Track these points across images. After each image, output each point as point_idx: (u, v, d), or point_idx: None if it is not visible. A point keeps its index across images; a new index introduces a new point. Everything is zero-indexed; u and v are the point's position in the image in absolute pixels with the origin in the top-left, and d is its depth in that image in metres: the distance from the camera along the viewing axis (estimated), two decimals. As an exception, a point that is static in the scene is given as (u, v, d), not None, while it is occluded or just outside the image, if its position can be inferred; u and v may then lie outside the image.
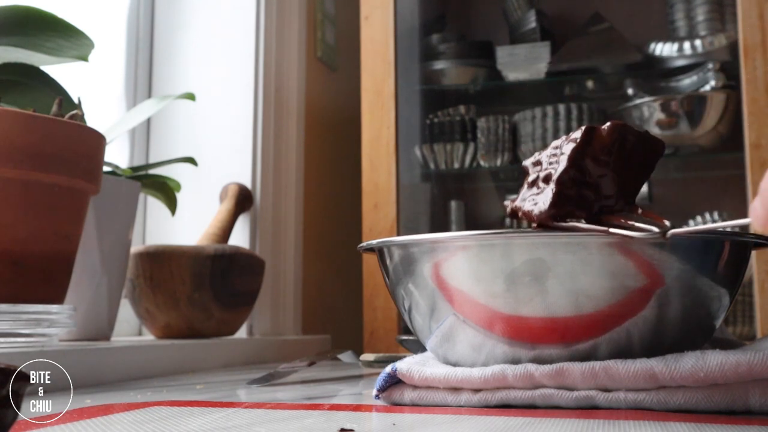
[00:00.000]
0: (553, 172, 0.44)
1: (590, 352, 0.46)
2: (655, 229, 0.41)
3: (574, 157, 0.44)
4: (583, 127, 0.45)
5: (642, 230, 0.42)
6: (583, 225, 0.44)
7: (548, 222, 0.44)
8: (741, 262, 0.50)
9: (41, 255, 0.62)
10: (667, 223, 0.42)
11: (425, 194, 1.63)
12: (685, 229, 0.42)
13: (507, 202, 0.48)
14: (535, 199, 0.45)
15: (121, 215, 0.88)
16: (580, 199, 0.44)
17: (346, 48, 1.63)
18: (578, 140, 0.44)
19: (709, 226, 0.42)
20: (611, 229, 0.42)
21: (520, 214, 0.46)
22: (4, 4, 0.69)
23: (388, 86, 1.43)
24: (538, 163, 0.47)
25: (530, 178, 0.47)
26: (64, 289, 0.66)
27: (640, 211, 0.45)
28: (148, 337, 1.04)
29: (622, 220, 0.44)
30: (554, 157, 0.45)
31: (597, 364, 0.44)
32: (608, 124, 0.45)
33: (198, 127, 1.25)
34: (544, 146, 1.59)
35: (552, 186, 0.44)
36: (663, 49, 1.54)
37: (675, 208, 1.63)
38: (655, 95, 1.51)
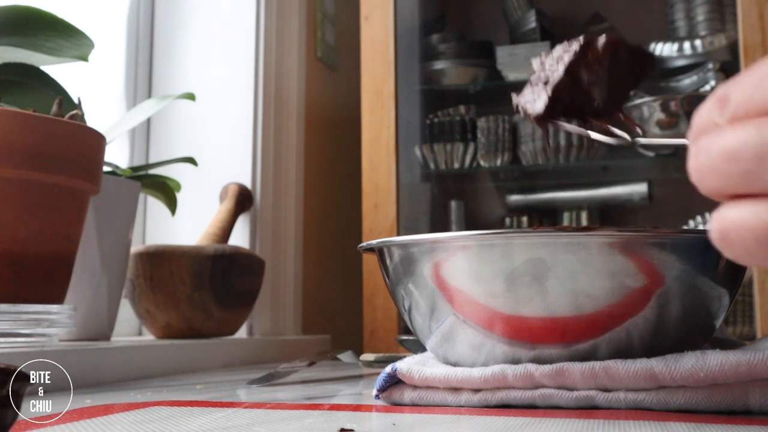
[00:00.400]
0: (550, 77, 0.50)
1: (590, 352, 0.46)
2: (627, 137, 0.48)
3: (570, 68, 0.49)
4: (581, 40, 0.50)
5: (616, 137, 0.48)
6: (569, 126, 0.50)
7: (541, 121, 0.50)
8: (741, 262, 0.50)
9: (41, 255, 0.62)
10: (638, 131, 0.50)
11: (425, 194, 1.63)
12: (651, 140, 0.49)
13: (513, 95, 0.54)
14: (534, 100, 0.51)
15: (121, 215, 0.88)
16: (571, 104, 0.50)
17: (346, 48, 1.63)
18: (575, 52, 0.49)
19: (675, 140, 0.47)
20: (592, 134, 0.49)
21: (520, 109, 0.52)
22: (4, 4, 0.69)
23: (388, 86, 1.43)
24: (543, 65, 0.52)
25: (533, 79, 0.52)
26: (64, 289, 0.66)
27: (621, 116, 0.51)
28: (148, 337, 1.04)
29: (604, 125, 0.50)
30: (555, 63, 0.51)
31: (597, 364, 0.44)
32: (603, 38, 0.50)
33: (198, 127, 1.25)
34: (544, 146, 1.56)
35: (548, 90, 0.50)
36: (663, 49, 1.54)
37: (675, 208, 1.63)
38: (655, 95, 1.51)
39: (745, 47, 1.29)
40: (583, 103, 0.50)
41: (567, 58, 0.50)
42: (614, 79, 0.50)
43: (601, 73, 0.50)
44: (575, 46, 0.50)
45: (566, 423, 0.39)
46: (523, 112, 0.51)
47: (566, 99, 0.49)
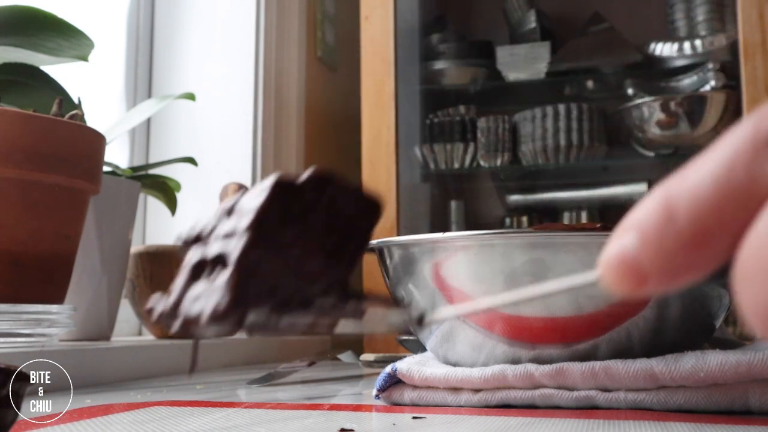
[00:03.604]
0: (228, 252, 0.28)
1: (590, 352, 0.46)
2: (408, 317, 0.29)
3: (259, 224, 0.27)
4: (271, 181, 0.28)
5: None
6: (280, 322, 0.27)
7: (228, 319, 0.27)
8: (741, 262, 0.50)
9: (41, 255, 0.62)
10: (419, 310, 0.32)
11: (425, 194, 1.63)
12: (440, 314, 0.31)
13: (150, 300, 0.30)
14: (202, 293, 0.28)
15: (121, 215, 0.88)
16: (273, 284, 0.27)
17: (346, 48, 1.63)
18: (264, 199, 0.27)
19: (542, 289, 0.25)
20: (338, 329, 0.28)
21: (177, 321, 0.29)
22: (4, 4, 0.69)
23: (388, 86, 1.43)
24: (198, 238, 0.30)
25: (188, 264, 0.29)
26: (64, 289, 0.66)
27: (366, 300, 0.28)
28: (148, 337, 1.04)
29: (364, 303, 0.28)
30: (228, 223, 0.28)
31: (597, 364, 0.44)
32: (307, 173, 0.28)
33: (198, 127, 1.25)
34: (544, 146, 1.55)
35: (230, 270, 0.27)
36: (663, 49, 1.54)
37: (675, 208, 1.63)
38: (655, 95, 1.51)
39: (745, 47, 1.29)
40: (294, 282, 0.27)
41: (252, 206, 0.27)
42: (332, 235, 0.28)
43: (312, 228, 0.28)
44: (259, 192, 0.28)
45: (566, 423, 0.39)
46: (185, 322, 0.28)
47: (264, 275, 0.27)
